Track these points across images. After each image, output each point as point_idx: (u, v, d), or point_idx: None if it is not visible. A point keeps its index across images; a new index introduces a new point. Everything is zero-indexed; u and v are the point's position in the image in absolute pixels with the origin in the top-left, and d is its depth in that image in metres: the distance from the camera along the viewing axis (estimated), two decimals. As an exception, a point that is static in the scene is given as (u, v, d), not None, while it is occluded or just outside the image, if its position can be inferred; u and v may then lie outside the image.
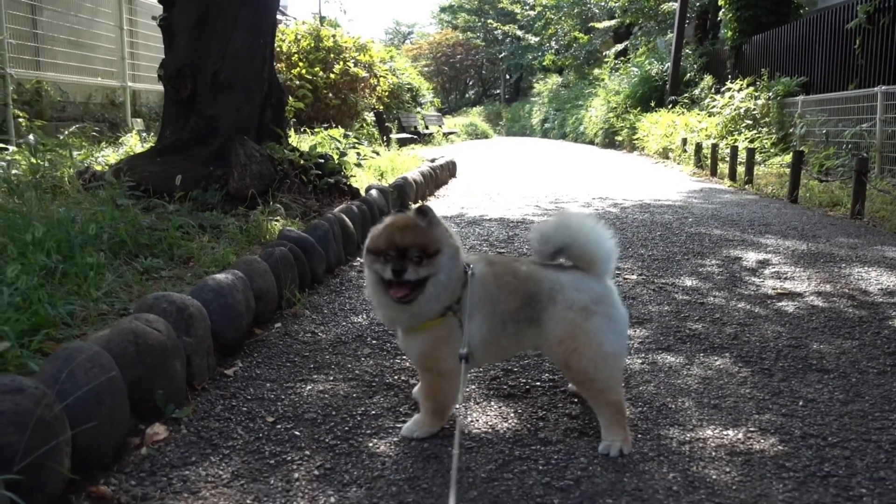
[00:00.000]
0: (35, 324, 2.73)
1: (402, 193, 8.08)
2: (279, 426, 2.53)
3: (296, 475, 2.19)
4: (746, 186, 10.88)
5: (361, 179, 8.49)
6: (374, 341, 3.50)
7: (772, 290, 4.54)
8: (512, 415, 2.66)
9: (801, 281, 4.77)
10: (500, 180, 12.28)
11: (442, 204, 9.14)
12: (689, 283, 4.73)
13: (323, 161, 6.69)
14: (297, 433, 2.48)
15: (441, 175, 10.99)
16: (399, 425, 2.54)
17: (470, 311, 2.26)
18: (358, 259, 5.54)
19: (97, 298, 3.16)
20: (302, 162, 6.55)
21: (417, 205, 2.41)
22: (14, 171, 6.21)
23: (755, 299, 4.31)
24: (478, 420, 2.62)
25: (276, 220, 5.64)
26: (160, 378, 2.49)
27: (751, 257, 5.57)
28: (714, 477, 2.19)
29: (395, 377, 3.02)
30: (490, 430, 2.52)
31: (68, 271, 3.30)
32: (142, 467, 2.20)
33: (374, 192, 7.06)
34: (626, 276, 4.91)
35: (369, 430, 2.51)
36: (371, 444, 2.40)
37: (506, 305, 2.32)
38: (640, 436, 2.47)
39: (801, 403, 2.75)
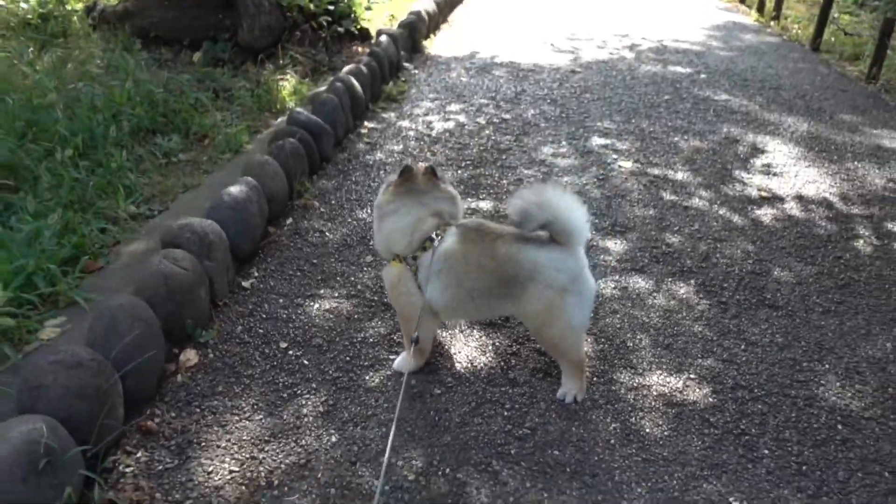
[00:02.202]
0: (75, 248, 3.08)
1: (413, 31, 7.95)
2: (290, 353, 2.99)
3: (304, 410, 2.67)
4: (772, 24, 10.49)
5: (375, 22, 8.28)
6: (371, 247, 3.83)
7: (756, 191, 4.79)
8: (490, 348, 3.09)
9: (788, 179, 4.99)
10: (514, 7, 11.80)
11: (453, 39, 8.96)
12: (680, 175, 4.96)
13: (332, 7, 6.56)
14: (305, 362, 2.94)
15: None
16: (392, 356, 2.99)
17: (428, 277, 2.55)
18: (366, 124, 5.71)
19: (125, 206, 3.45)
20: (312, 8, 6.44)
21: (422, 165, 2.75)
22: (23, 5, 6.18)
23: (737, 204, 4.57)
24: (460, 352, 3.06)
25: (287, 80, 5.73)
26: (189, 309, 2.91)
27: (748, 140, 5.71)
28: (647, 430, 2.67)
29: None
30: (469, 366, 2.96)
31: (98, 183, 3.57)
32: (178, 396, 2.69)
33: (384, 38, 6.99)
34: (622, 164, 5.13)
35: (366, 361, 2.97)
36: (367, 378, 2.86)
37: (475, 283, 2.54)
38: (595, 379, 2.92)
39: (742, 347, 3.17)
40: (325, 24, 6.47)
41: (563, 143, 5.54)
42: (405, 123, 5.84)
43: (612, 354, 3.08)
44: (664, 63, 8.03)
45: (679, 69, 7.79)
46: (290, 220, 4.08)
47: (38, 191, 3.28)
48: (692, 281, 3.66)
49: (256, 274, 3.53)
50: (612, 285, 3.59)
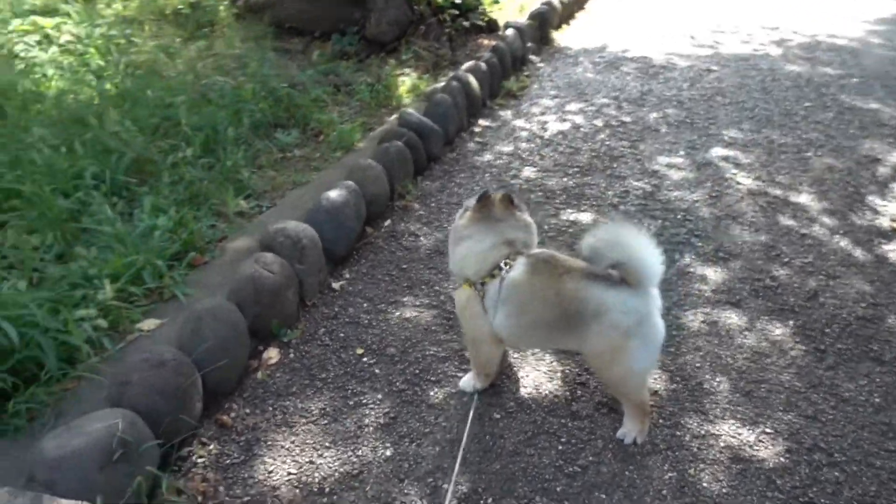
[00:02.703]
0: (185, 244, 3.37)
1: (543, 23, 7.84)
2: (365, 360, 3.14)
3: (366, 420, 2.82)
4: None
5: (505, 12, 8.25)
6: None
7: (889, 221, 4.41)
8: (558, 375, 3.10)
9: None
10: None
11: (587, 29, 8.77)
12: (804, 198, 4.64)
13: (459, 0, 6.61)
14: (377, 371, 3.08)
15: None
16: (460, 374, 3.07)
17: (495, 304, 2.58)
18: (481, 122, 5.76)
19: (236, 203, 3.72)
20: (440, 1, 6.52)
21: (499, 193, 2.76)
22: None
23: (862, 235, 4.21)
24: (528, 376, 3.09)
25: (407, 76, 5.87)
26: (275, 310, 3.12)
27: (890, 162, 5.24)
28: (704, 484, 2.59)
29: None
30: (533, 392, 2.98)
31: (212, 180, 3.86)
32: (255, 394, 2.91)
33: (510, 31, 6.96)
34: (741, 180, 4.87)
35: (434, 376, 3.06)
36: (432, 394, 2.96)
37: (538, 315, 2.53)
38: (661, 420, 2.85)
39: (831, 404, 2.98)
40: (450, 17, 6.51)
41: (681, 152, 5.32)
42: (520, 122, 5.83)
43: (685, 396, 2.99)
44: (812, 63, 7.46)
45: (828, 70, 7.21)
46: (388, 222, 4.22)
47: (160, 187, 3.59)
48: (791, 322, 3.46)
49: (347, 276, 3.71)
50: (701, 318, 3.47)
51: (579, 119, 5.91)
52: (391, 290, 3.61)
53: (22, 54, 5.06)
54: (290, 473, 2.55)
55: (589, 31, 8.79)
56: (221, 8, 6.52)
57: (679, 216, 4.36)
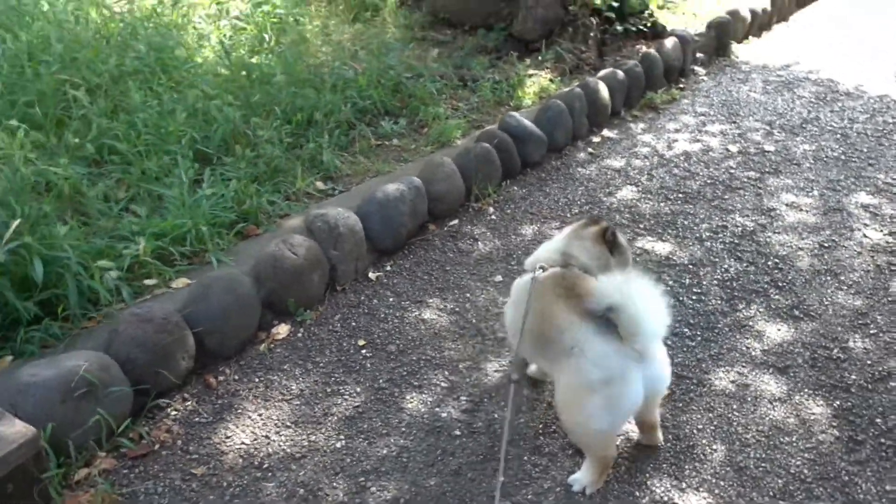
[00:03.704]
0: (242, 215, 3.69)
1: (721, 33, 7.31)
2: (363, 352, 3.26)
3: (335, 409, 2.95)
4: None
5: (681, 18, 7.78)
6: (515, 265, 3.87)
7: None
8: (541, 405, 3.01)
9: None
10: (883, 12, 9.95)
11: (780, 43, 8.03)
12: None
13: (618, 3, 6.36)
14: (368, 364, 3.19)
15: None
16: (445, 383, 3.09)
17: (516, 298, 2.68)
18: (605, 132, 5.58)
19: (307, 183, 4.00)
20: (597, 2, 6.34)
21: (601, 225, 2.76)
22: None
23: None
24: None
25: (540, 76, 5.82)
26: (292, 290, 3.34)
27: None
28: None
29: (487, 323, 3.46)
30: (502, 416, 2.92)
31: (294, 157, 4.15)
32: (250, 363, 3.16)
33: (669, 40, 6.58)
34: (868, 234, 4.29)
35: (418, 381, 3.12)
36: (407, 398, 3.02)
37: (530, 324, 2.47)
38: (626, 474, 2.67)
39: (837, 502, 2.62)
40: (603, 20, 6.30)
41: (815, 192, 4.78)
42: (647, 138, 5.55)
43: (667, 456, 2.78)
44: None
45: None
46: (455, 222, 4.28)
47: (238, 160, 3.95)
48: (838, 402, 3.05)
49: (388, 268, 3.84)
50: (732, 378, 3.17)
51: (714, 141, 5.50)
52: (422, 289, 3.68)
53: (196, 25, 5.71)
54: (243, 443, 2.76)
55: (781, 45, 8.04)
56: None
57: (770, 262, 3.96)
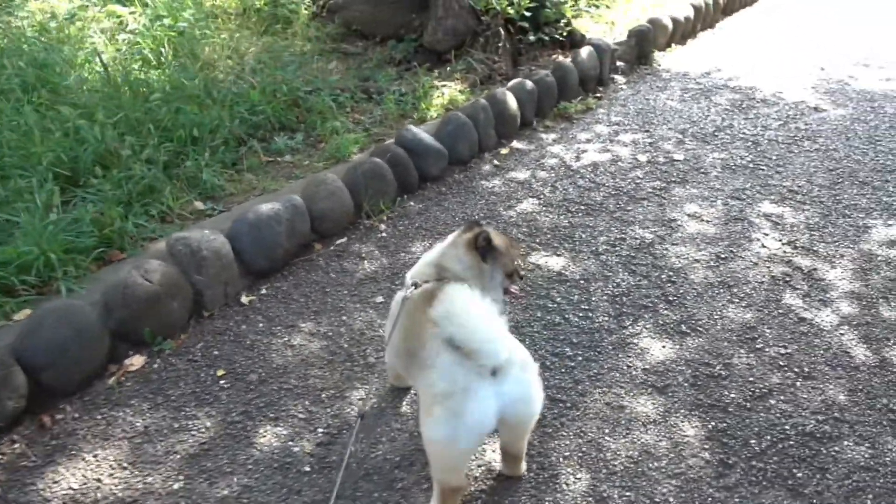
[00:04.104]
0: (103, 240, 3.48)
1: (642, 42, 7.27)
2: (221, 382, 3.08)
3: (179, 447, 2.75)
4: None
5: (601, 27, 7.74)
6: (399, 284, 3.70)
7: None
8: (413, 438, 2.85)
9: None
10: (807, 19, 10.07)
11: (704, 50, 8.04)
12: (833, 275, 3.91)
13: (534, 9, 6.26)
14: (224, 396, 3.00)
15: (728, 4, 9.36)
16: (303, 414, 2.91)
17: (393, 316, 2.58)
18: (514, 144, 5.46)
19: (181, 204, 3.80)
20: (510, 12, 6.24)
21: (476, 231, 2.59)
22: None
23: (879, 332, 3.50)
24: (387, 432, 2.87)
25: (450, 87, 5.69)
26: (147, 319, 3.14)
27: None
28: None
29: (360, 348, 3.29)
30: (374, 450, 2.76)
31: (169, 177, 3.95)
32: (96, 399, 2.95)
33: (585, 49, 6.51)
34: (767, 244, 4.21)
35: (274, 413, 2.93)
36: (260, 432, 2.84)
37: (400, 339, 2.45)
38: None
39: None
40: (520, 29, 6.20)
41: (718, 202, 4.71)
42: (556, 149, 5.46)
43: (527, 487, 2.64)
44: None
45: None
46: (342, 240, 4.12)
47: (107, 180, 3.74)
48: (714, 423, 2.94)
49: (264, 291, 3.66)
50: (608, 399, 3.05)
51: (624, 151, 5.42)
52: (297, 313, 3.51)
53: (92, 40, 5.49)
54: (70, 488, 2.55)
55: (704, 53, 8.05)
56: (302, 7, 6.67)
57: (663, 276, 3.86)
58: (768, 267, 4.00)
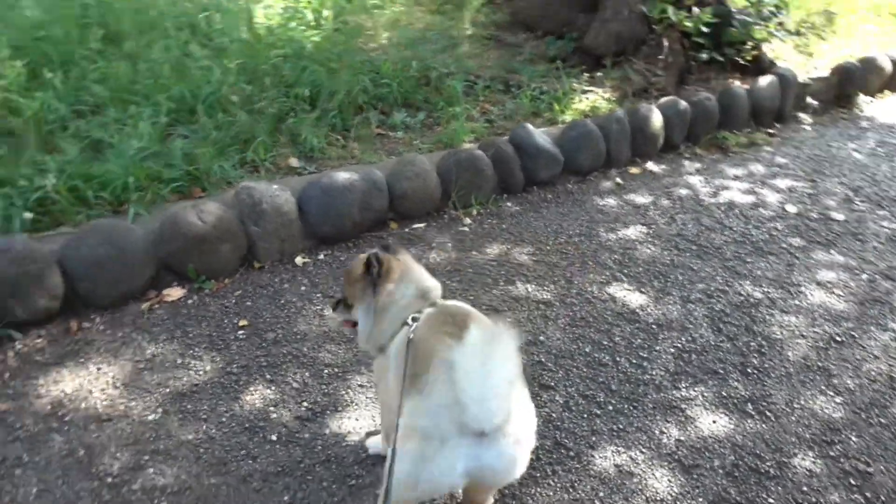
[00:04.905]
0: (190, 174, 3.66)
1: (846, 81, 6.41)
2: (237, 334, 3.11)
3: (171, 383, 2.82)
4: None
5: (803, 58, 6.91)
6: (456, 282, 3.58)
7: None
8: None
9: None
10: None
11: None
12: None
13: (715, 25, 5.72)
14: (234, 347, 3.03)
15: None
16: (287, 383, 2.88)
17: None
18: (648, 165, 5.07)
19: (265, 158, 3.92)
20: (687, 25, 5.77)
21: (376, 252, 2.20)
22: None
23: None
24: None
25: (594, 93, 5.40)
26: (193, 256, 3.25)
27: None
28: None
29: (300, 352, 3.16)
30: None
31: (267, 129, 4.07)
32: (123, 319, 3.11)
33: (766, 79, 5.86)
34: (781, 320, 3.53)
35: (272, 375, 2.92)
36: (249, 389, 2.83)
37: (401, 365, 2.05)
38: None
39: None
40: (695, 45, 5.70)
41: (863, 276, 4.06)
42: (695, 179, 4.99)
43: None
44: None
45: None
46: (420, 225, 4.04)
47: (209, 122, 3.94)
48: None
49: (321, 257, 3.67)
50: (622, 462, 2.70)
51: (773, 198, 4.82)
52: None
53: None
54: (62, 391, 2.71)
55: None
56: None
57: (753, 343, 3.41)
58: (891, 365, 3.32)
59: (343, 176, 3.65)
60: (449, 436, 1.86)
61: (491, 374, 1.78)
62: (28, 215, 3.01)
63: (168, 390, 2.77)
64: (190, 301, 3.23)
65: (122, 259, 3.02)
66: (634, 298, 3.61)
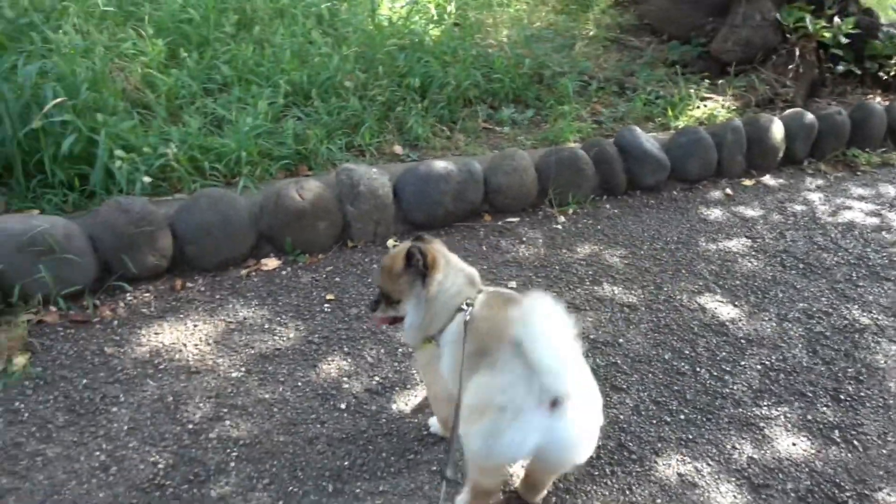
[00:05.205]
0: (299, 153, 3.88)
1: None
2: (324, 306, 3.27)
3: (256, 345, 3.03)
4: None
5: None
6: (541, 278, 3.59)
7: None
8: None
9: None
10: None
11: None
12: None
13: (856, 37, 5.39)
14: (318, 318, 3.21)
15: None
16: (362, 356, 3.01)
17: (444, 346, 2.18)
18: (766, 178, 4.87)
19: (370, 143, 4.09)
20: (825, 35, 5.47)
21: (415, 244, 2.19)
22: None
23: None
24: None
25: (713, 101, 5.24)
26: (291, 230, 3.45)
27: None
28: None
29: None
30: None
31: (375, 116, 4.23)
32: (223, 283, 3.34)
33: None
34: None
35: (349, 348, 3.05)
36: (326, 359, 2.99)
37: (467, 347, 2.08)
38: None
39: None
40: (832, 57, 5.40)
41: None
42: (814, 196, 4.74)
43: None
44: None
45: None
46: (514, 219, 4.08)
47: (324, 105, 4.15)
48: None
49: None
50: (686, 471, 2.64)
51: (864, 218, 4.50)
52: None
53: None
54: (160, 343, 2.96)
55: None
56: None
57: (851, 370, 3.22)
58: None
59: (440, 165, 3.74)
60: (524, 407, 1.91)
61: (561, 344, 1.85)
62: (147, 179, 3.28)
63: (253, 351, 2.95)
64: (284, 272, 3.42)
65: (227, 227, 3.25)
66: (726, 311, 3.48)
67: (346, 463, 2.51)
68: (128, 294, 3.16)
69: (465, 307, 2.14)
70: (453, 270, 2.23)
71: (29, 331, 2.86)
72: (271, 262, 3.46)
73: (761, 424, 2.83)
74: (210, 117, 3.92)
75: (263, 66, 4.29)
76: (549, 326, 1.85)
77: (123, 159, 3.22)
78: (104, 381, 2.74)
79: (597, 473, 2.56)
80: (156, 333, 2.99)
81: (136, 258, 3.09)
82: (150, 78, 3.96)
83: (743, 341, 3.29)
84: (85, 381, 2.73)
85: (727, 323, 3.39)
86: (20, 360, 2.71)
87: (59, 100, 3.15)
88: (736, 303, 3.55)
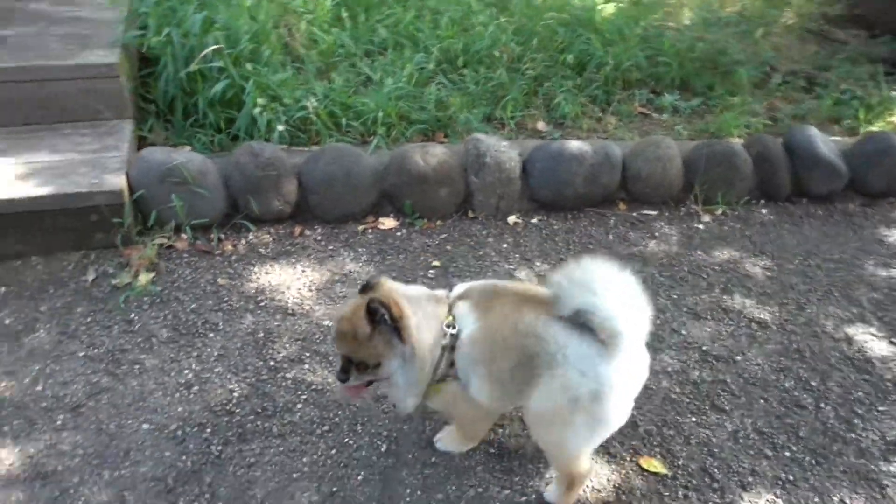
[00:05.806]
0: (436, 120, 3.92)
1: None
2: (427, 272, 3.26)
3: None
4: None
5: None
6: (661, 277, 3.36)
7: None
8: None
9: None
10: None
11: None
12: None
13: None
14: (418, 283, 3.25)
15: None
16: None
17: (465, 374, 2.04)
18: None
19: (512, 117, 4.03)
20: None
21: (371, 297, 1.93)
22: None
23: None
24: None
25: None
26: (411, 193, 3.49)
27: None
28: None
29: None
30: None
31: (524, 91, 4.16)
32: (339, 236, 3.44)
33: None
34: None
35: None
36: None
37: (499, 364, 1.99)
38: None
39: None
40: None
41: None
42: None
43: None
44: None
45: None
46: (651, 212, 3.84)
47: (468, 76, 4.13)
48: None
49: (535, 221, 3.68)
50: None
51: None
52: (541, 253, 3.47)
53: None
54: (269, 283, 3.13)
55: None
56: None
57: None
58: None
59: (574, 145, 3.57)
60: (614, 389, 1.90)
61: (612, 278, 1.89)
62: (281, 128, 3.44)
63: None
64: (399, 233, 3.46)
65: (349, 181, 3.33)
66: (878, 347, 3.02)
67: (405, 427, 2.49)
68: (250, 234, 3.35)
69: (449, 329, 1.99)
70: (418, 304, 2.01)
71: (158, 253, 3.12)
72: (389, 222, 3.50)
73: (885, 482, 2.43)
74: (362, 77, 4.02)
75: (422, 31, 4.32)
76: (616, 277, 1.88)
77: (264, 107, 3.39)
78: (210, 308, 2.92)
79: (667, 493, 2.34)
80: (266, 273, 3.14)
81: (262, 200, 3.26)
82: (314, 36, 4.13)
83: (889, 384, 2.84)
84: (194, 305, 2.93)
85: (875, 360, 2.94)
86: (144, 278, 2.97)
87: (214, 46, 3.37)
88: (893, 339, 3.06)
